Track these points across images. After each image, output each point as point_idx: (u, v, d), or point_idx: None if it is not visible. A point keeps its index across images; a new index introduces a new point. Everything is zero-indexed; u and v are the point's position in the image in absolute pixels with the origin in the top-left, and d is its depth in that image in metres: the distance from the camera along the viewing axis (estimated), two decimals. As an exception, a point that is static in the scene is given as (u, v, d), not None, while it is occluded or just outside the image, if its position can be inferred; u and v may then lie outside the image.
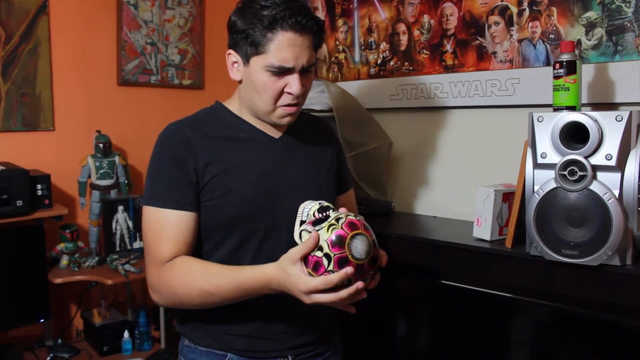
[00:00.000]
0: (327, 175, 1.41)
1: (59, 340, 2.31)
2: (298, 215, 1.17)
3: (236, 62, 1.28)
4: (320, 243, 1.07)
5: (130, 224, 2.42)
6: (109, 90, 2.57)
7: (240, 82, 1.31)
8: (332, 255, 1.06)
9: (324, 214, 1.13)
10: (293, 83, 1.23)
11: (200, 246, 1.29)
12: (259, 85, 1.24)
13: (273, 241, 1.27)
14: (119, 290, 2.60)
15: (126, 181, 2.46)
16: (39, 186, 2.15)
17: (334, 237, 1.07)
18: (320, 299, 1.08)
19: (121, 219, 2.41)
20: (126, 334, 2.32)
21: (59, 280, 2.20)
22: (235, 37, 1.25)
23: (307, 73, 1.26)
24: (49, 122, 2.40)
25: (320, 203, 1.16)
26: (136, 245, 2.44)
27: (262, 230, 1.27)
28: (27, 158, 2.32)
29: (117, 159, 2.42)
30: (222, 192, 1.25)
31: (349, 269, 1.05)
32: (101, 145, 2.38)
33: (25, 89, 2.33)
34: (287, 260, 1.10)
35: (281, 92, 1.25)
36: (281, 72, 1.22)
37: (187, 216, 1.24)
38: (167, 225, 1.23)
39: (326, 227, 1.09)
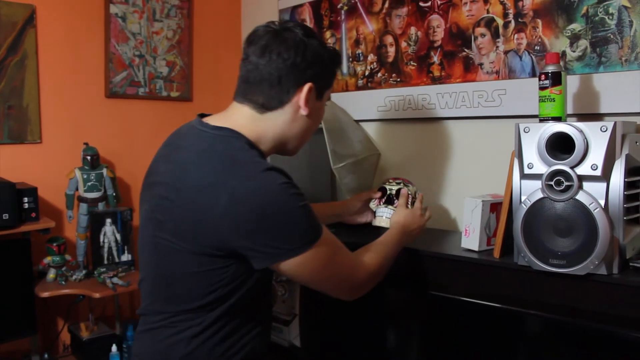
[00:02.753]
0: None
1: (46, 355, 2.28)
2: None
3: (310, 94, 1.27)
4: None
5: (118, 236, 2.41)
6: (96, 103, 2.56)
7: (292, 116, 1.28)
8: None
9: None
10: None
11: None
12: (320, 117, 1.36)
13: None
14: (106, 304, 2.58)
15: (114, 194, 2.45)
16: (25, 199, 2.13)
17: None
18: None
19: (109, 232, 2.39)
20: (114, 348, 2.30)
21: (45, 294, 2.17)
22: (316, 70, 1.27)
23: None
24: (36, 135, 2.39)
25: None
26: (124, 258, 2.43)
27: None
28: (13, 171, 2.30)
29: (104, 171, 2.41)
30: None
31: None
32: (89, 157, 2.37)
33: (12, 101, 2.31)
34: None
35: None
36: None
37: None
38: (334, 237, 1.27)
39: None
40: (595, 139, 1.29)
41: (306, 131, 1.33)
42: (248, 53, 1.25)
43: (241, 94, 1.28)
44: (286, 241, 1.14)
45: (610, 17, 1.59)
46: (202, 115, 1.31)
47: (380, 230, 1.71)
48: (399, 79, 2.14)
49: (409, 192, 1.68)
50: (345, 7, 2.32)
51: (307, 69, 1.24)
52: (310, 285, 1.27)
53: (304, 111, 1.27)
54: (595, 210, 1.27)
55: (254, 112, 1.26)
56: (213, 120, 1.26)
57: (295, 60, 1.22)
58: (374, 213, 1.73)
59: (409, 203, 1.68)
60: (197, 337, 1.20)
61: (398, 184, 1.72)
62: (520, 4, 1.77)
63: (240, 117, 1.26)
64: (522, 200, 1.38)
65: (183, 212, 1.16)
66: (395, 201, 1.67)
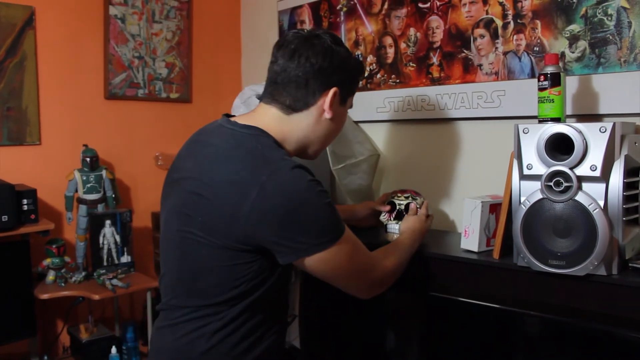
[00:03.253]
0: None
1: (45, 357, 2.28)
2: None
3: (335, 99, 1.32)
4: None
5: (118, 238, 2.41)
6: (96, 104, 2.56)
7: (316, 120, 1.33)
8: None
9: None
10: None
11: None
12: (342, 123, 1.40)
13: None
14: (106, 306, 2.58)
15: (113, 195, 2.45)
16: (24, 201, 2.13)
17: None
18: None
19: (108, 234, 2.39)
20: (114, 349, 2.29)
21: (45, 296, 2.17)
22: (342, 76, 1.32)
23: None
24: (35, 136, 2.39)
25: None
26: (123, 259, 2.43)
27: None
28: (12, 172, 2.30)
29: (104, 173, 2.41)
30: None
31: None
32: (88, 159, 2.37)
33: (11, 103, 2.32)
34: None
35: None
36: None
37: None
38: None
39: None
40: (594, 139, 1.29)
41: (328, 135, 1.38)
42: (277, 56, 1.30)
43: (269, 95, 1.32)
44: (312, 236, 1.18)
45: (609, 18, 1.59)
46: (228, 116, 1.36)
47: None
48: (398, 80, 2.14)
49: (417, 205, 1.69)
50: (345, 8, 2.33)
51: (333, 74, 1.29)
52: (331, 281, 1.30)
53: (327, 114, 1.31)
54: (595, 211, 1.27)
55: (280, 113, 1.30)
56: (241, 120, 1.31)
57: (322, 64, 1.28)
58: (385, 227, 1.73)
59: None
60: (219, 333, 1.23)
61: (406, 197, 1.72)
62: (519, 5, 1.77)
63: (267, 118, 1.30)
64: (522, 201, 1.38)
65: (213, 207, 1.19)
66: (405, 216, 1.69)
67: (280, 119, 1.30)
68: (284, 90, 1.29)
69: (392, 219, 1.70)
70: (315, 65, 1.27)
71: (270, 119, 1.30)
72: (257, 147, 1.22)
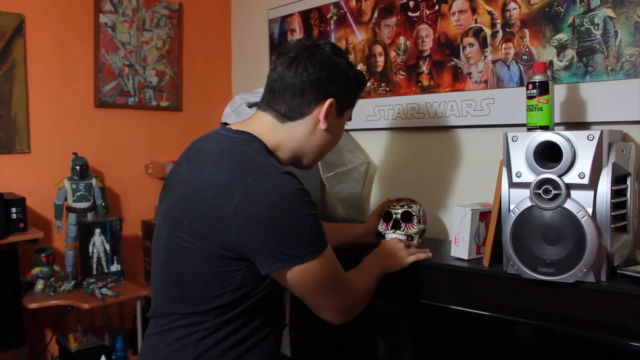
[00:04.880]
0: None
1: (34, 367, 2.26)
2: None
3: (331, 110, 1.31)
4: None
5: (107, 247, 2.39)
6: (86, 112, 2.55)
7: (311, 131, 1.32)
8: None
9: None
10: None
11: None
12: (339, 136, 1.39)
13: None
14: (95, 315, 2.56)
15: (103, 204, 2.44)
16: (13, 209, 2.12)
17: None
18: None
19: (98, 242, 2.38)
20: (103, 358, 2.28)
21: (33, 305, 2.16)
22: (340, 87, 1.31)
23: None
24: (25, 145, 2.38)
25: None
26: (113, 268, 2.41)
27: None
28: (1, 181, 2.29)
29: (94, 181, 2.40)
30: None
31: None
32: (78, 167, 2.36)
33: (0, 111, 2.30)
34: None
35: None
36: None
37: None
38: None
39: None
40: (582, 147, 1.30)
41: (323, 147, 1.36)
42: (276, 64, 1.30)
43: (265, 102, 1.32)
44: (295, 246, 1.15)
45: (596, 28, 1.61)
46: (226, 124, 1.35)
47: None
48: (388, 89, 2.15)
49: (413, 213, 1.68)
50: (335, 17, 2.34)
51: (330, 85, 1.29)
52: (308, 298, 1.26)
53: (322, 125, 1.30)
54: (583, 219, 1.28)
55: (275, 121, 1.30)
56: (236, 126, 1.31)
57: (320, 75, 1.27)
58: (383, 237, 1.72)
59: (411, 228, 1.68)
60: (204, 341, 1.21)
61: (402, 206, 1.71)
62: (507, 14, 1.79)
63: (262, 125, 1.30)
64: (511, 208, 1.39)
65: (198, 210, 1.18)
66: (402, 224, 1.68)
67: (274, 127, 1.29)
68: (280, 98, 1.28)
69: (389, 228, 1.70)
70: (313, 75, 1.26)
71: (264, 126, 1.29)
72: (246, 152, 1.21)
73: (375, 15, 2.18)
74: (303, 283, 1.20)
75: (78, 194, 2.36)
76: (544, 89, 1.45)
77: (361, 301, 1.38)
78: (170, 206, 1.27)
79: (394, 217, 1.70)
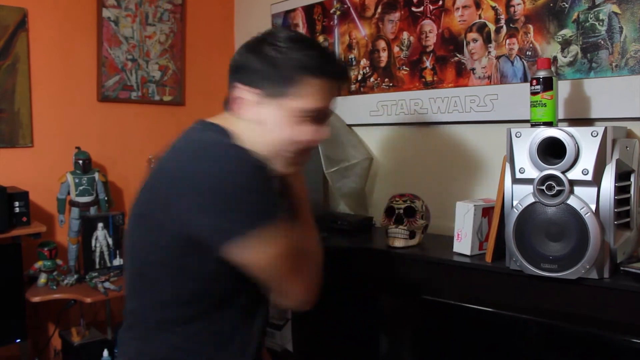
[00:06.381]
0: None
1: (36, 361, 2.27)
2: None
3: None
4: None
5: (110, 241, 2.40)
6: (88, 107, 2.55)
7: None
8: None
9: None
10: None
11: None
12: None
13: None
14: (98, 309, 2.56)
15: (106, 198, 2.44)
16: (16, 203, 2.12)
17: None
18: None
19: (101, 236, 2.38)
20: (105, 352, 2.28)
21: (36, 299, 2.16)
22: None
23: None
24: (28, 139, 2.38)
25: None
26: (116, 262, 2.41)
27: None
28: (4, 175, 2.29)
29: (96, 175, 2.40)
30: None
31: None
32: (81, 161, 2.36)
33: (3, 105, 2.30)
34: None
35: None
36: None
37: None
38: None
39: None
40: (586, 143, 1.30)
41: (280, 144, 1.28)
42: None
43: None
44: (243, 213, 1.05)
45: (601, 23, 1.60)
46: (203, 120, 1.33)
47: (395, 249, 1.71)
48: (391, 84, 2.15)
49: (416, 208, 1.69)
50: (338, 12, 2.33)
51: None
52: (268, 276, 1.13)
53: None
54: (587, 215, 1.28)
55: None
56: (210, 120, 1.26)
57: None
58: (385, 231, 1.73)
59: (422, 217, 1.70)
60: (170, 335, 1.17)
61: (405, 201, 1.72)
62: (512, 9, 1.78)
63: (232, 119, 1.25)
64: (514, 204, 1.39)
65: (148, 198, 1.16)
66: (405, 220, 1.68)
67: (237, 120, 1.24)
68: None
69: (392, 223, 1.70)
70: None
71: (235, 120, 1.23)
72: (200, 138, 1.18)
73: (379, 10, 2.18)
74: (260, 257, 1.08)
75: (81, 188, 2.36)
76: (547, 84, 1.45)
77: (320, 271, 1.24)
78: (134, 202, 1.23)
79: (396, 212, 1.70)
